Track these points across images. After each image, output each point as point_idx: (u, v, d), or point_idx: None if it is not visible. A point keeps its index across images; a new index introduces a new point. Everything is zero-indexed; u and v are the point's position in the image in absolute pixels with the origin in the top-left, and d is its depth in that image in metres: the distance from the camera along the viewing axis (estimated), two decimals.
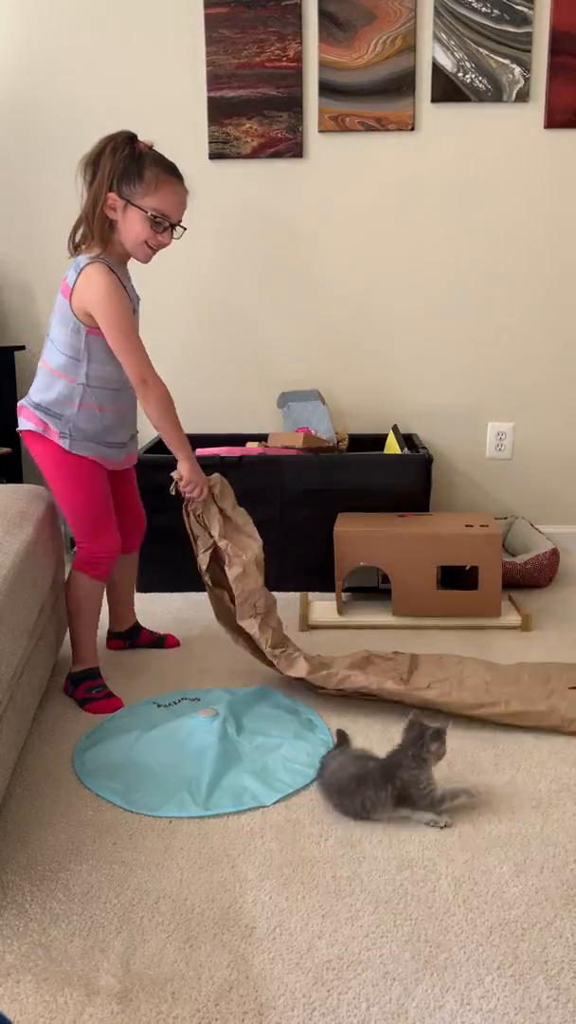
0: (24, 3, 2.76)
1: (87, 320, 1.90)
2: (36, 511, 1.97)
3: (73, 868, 1.44)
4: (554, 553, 2.70)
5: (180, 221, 1.96)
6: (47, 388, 1.96)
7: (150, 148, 1.91)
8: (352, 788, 1.55)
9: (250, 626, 2.00)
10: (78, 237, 1.96)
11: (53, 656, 2.03)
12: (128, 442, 2.10)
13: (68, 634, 2.13)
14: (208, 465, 2.60)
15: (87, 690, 2.00)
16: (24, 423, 2.00)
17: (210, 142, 2.81)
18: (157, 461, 2.63)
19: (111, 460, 2.05)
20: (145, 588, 2.66)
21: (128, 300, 1.93)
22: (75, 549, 2.03)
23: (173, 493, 2.03)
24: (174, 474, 2.02)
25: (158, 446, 2.83)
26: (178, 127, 2.81)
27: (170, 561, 2.65)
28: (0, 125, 2.85)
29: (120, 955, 1.25)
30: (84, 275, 1.87)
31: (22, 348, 2.93)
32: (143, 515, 2.25)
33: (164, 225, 1.91)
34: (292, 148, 2.81)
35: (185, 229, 1.98)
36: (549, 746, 1.79)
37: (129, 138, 1.89)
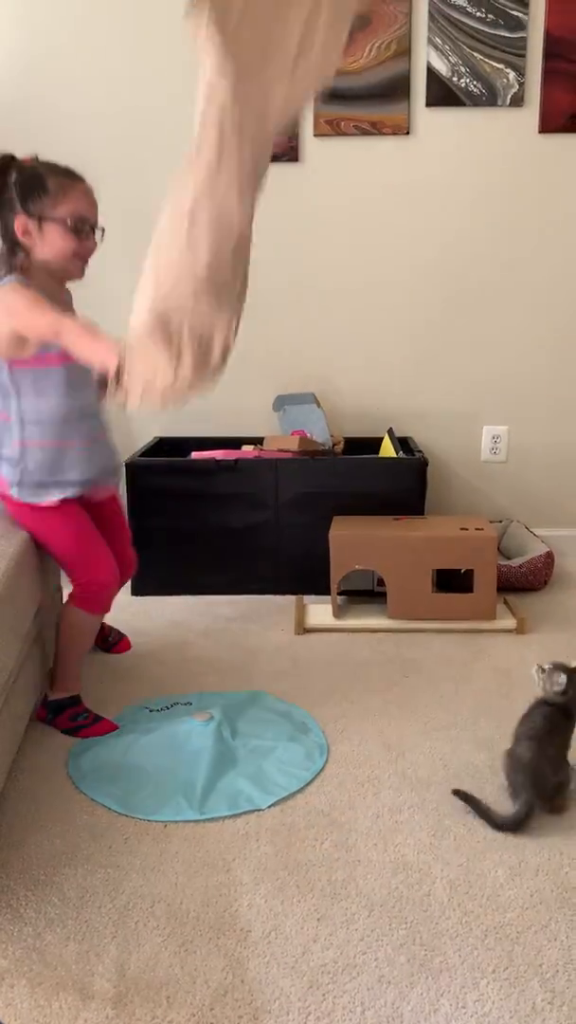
0: (24, 2, 2.76)
1: (7, 351, 1.70)
2: None
3: (68, 872, 1.43)
4: (549, 556, 2.71)
5: (97, 222, 1.80)
6: None
7: (36, 159, 1.75)
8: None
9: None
10: None
11: (47, 661, 2.03)
12: (99, 478, 1.93)
13: (52, 659, 1.99)
14: (204, 469, 2.61)
15: (72, 718, 1.90)
16: None
17: None
18: (151, 465, 2.64)
19: (85, 492, 1.91)
20: (140, 591, 2.66)
21: (52, 306, 1.67)
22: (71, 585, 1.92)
23: None
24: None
25: (152, 450, 2.83)
26: (176, 131, 2.81)
27: (165, 564, 2.65)
28: (1, 125, 2.86)
29: (115, 959, 1.25)
30: None
31: None
32: (132, 555, 2.11)
33: (85, 230, 1.76)
34: (288, 152, 2.81)
35: (104, 231, 1.81)
36: None
37: (9, 159, 1.73)
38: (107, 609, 1.96)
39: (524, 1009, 1.15)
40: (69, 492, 1.86)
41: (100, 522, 1.96)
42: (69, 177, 1.75)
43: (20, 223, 1.71)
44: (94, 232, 1.79)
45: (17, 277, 1.71)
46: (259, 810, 1.59)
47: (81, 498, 1.91)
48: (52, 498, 1.84)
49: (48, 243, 1.73)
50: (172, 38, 2.75)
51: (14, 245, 1.73)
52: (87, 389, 1.85)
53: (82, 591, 1.90)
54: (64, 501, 1.86)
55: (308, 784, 1.67)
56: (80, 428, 1.85)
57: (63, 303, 1.83)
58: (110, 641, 2.29)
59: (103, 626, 2.23)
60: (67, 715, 1.91)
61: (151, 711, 1.96)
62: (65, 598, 1.97)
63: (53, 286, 1.79)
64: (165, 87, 2.80)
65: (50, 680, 1.97)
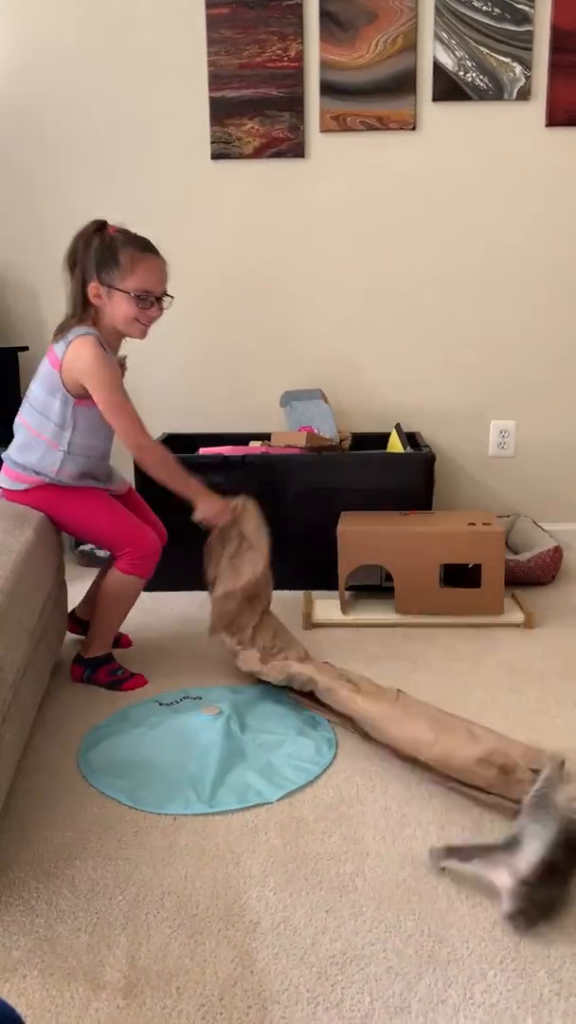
0: (24, 1, 2.77)
1: (76, 391, 1.97)
2: (36, 512, 1.98)
3: (79, 865, 1.45)
4: (557, 550, 2.71)
5: (164, 292, 2.02)
6: (28, 449, 2.03)
7: (120, 230, 1.98)
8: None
9: (222, 638, 2.12)
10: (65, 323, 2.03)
11: (54, 656, 2.04)
12: (112, 474, 2.19)
13: (92, 623, 2.14)
14: (211, 464, 2.62)
15: (111, 672, 2.08)
16: (7, 482, 2.06)
17: (212, 142, 2.82)
18: None
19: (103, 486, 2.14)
20: (149, 588, 2.66)
21: (118, 371, 2.02)
22: (114, 557, 2.08)
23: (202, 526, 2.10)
24: (195, 517, 2.08)
25: None
26: (180, 127, 2.82)
27: (174, 560, 2.66)
28: (2, 126, 2.87)
29: (125, 950, 1.26)
30: (74, 347, 1.94)
31: (25, 349, 2.94)
32: (162, 527, 2.28)
33: (149, 300, 1.99)
34: (294, 148, 2.81)
35: (172, 298, 2.04)
36: (551, 742, 1.79)
37: (98, 227, 1.97)
38: (151, 573, 2.11)
39: (531, 1000, 1.16)
40: (95, 483, 2.11)
41: (130, 508, 2.17)
42: (142, 251, 1.97)
43: (93, 288, 1.96)
44: (160, 301, 2.02)
45: (95, 332, 1.97)
46: (268, 803, 1.60)
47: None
48: (88, 483, 2.09)
49: (114, 309, 1.98)
50: (174, 38, 2.76)
51: (87, 304, 1.98)
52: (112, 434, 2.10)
53: (131, 557, 2.05)
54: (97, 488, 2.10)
55: (317, 778, 1.68)
56: (102, 466, 2.14)
57: (118, 358, 2.10)
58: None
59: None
60: (105, 671, 2.08)
61: (161, 705, 1.97)
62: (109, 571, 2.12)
63: (115, 343, 2.06)
64: (168, 87, 2.80)
65: (84, 644, 2.14)
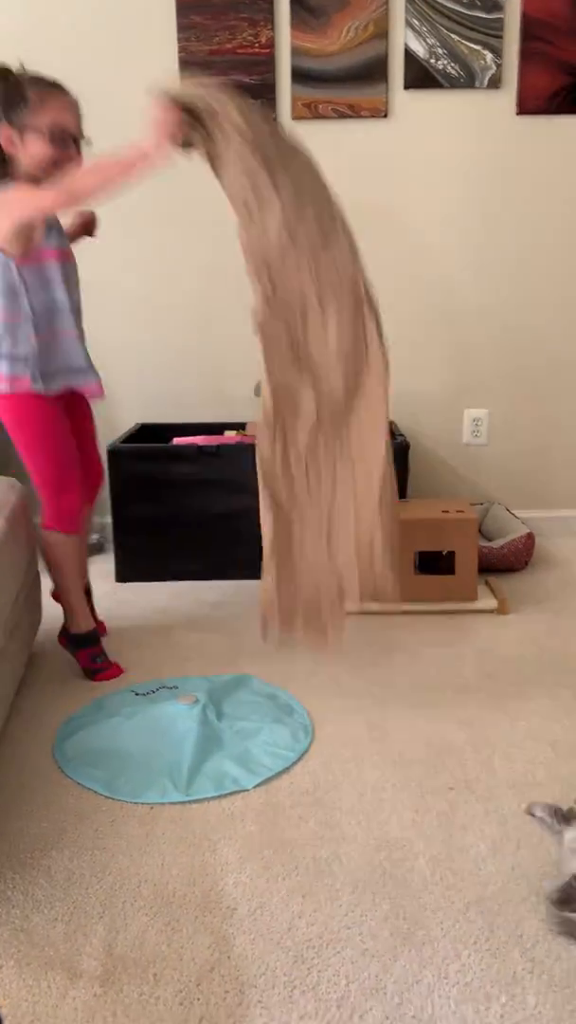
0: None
1: (15, 248, 1.83)
2: (8, 502, 1.97)
3: (55, 855, 1.44)
4: (530, 537, 2.73)
5: (80, 132, 1.87)
6: None
7: (23, 70, 1.84)
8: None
9: None
10: None
11: (28, 647, 2.03)
12: (84, 367, 2.00)
13: (60, 599, 2.12)
14: (186, 454, 2.62)
15: (91, 658, 2.08)
16: None
17: None
18: (133, 451, 2.64)
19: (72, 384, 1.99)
20: (125, 578, 2.66)
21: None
22: (41, 508, 2.02)
23: None
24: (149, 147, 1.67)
25: (134, 436, 2.83)
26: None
27: (148, 551, 2.66)
28: None
29: (102, 939, 1.26)
30: None
31: None
32: (100, 466, 2.22)
33: (66, 140, 1.84)
34: None
35: (89, 141, 1.88)
36: (525, 726, 1.82)
37: (3, 73, 1.82)
38: (79, 529, 2.05)
39: (505, 978, 1.18)
40: (70, 380, 1.97)
41: (74, 426, 2.05)
42: (50, 87, 1.83)
43: (4, 134, 1.81)
44: (76, 143, 1.86)
45: (11, 184, 1.81)
46: (245, 791, 1.61)
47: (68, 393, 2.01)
48: (57, 387, 1.95)
49: (30, 154, 1.82)
50: (143, 24, 2.73)
51: (3, 159, 1.83)
52: (77, 287, 1.99)
53: (53, 511, 2.00)
54: (61, 397, 1.97)
55: (293, 764, 1.69)
56: (71, 320, 1.96)
57: (85, 213, 1.99)
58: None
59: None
60: (87, 655, 2.08)
61: (137, 695, 1.97)
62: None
63: None
64: (137, 73, 2.78)
65: (67, 618, 2.12)
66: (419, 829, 1.49)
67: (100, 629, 2.28)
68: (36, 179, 1.83)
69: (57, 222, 1.97)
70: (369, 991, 1.16)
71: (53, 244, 1.92)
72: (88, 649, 2.09)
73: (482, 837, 1.47)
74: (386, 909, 1.31)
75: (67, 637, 2.12)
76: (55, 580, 2.09)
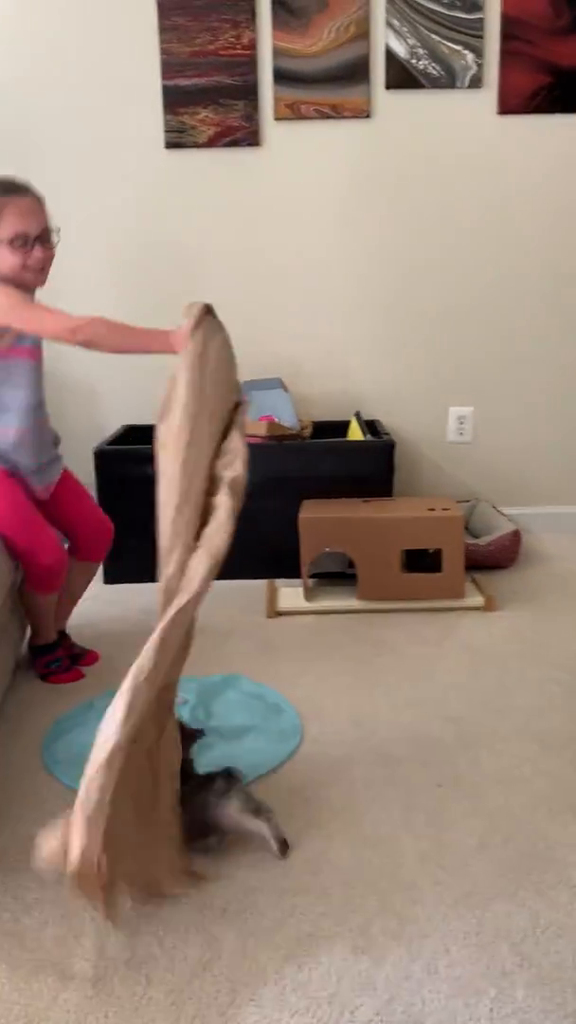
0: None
1: None
2: None
3: None
4: (516, 534, 2.75)
5: (46, 230, 1.86)
6: None
7: None
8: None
9: None
10: None
11: (15, 653, 2.04)
12: (47, 464, 2.06)
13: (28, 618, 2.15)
14: None
15: (46, 665, 2.10)
16: None
17: (166, 131, 2.80)
18: (119, 453, 2.64)
19: (31, 483, 2.01)
20: (113, 579, 2.66)
21: (17, 291, 1.82)
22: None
23: None
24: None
25: (120, 438, 2.83)
26: (133, 116, 2.80)
27: (136, 552, 2.64)
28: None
29: (94, 941, 1.27)
30: None
31: None
32: (104, 521, 2.19)
33: (29, 244, 1.82)
34: (248, 136, 2.80)
35: (59, 232, 1.88)
36: (512, 723, 1.83)
37: None
38: (57, 588, 2.05)
39: (494, 972, 1.19)
40: (24, 468, 1.99)
41: (63, 499, 2.10)
42: (5, 194, 1.81)
43: None
44: (41, 242, 1.84)
45: None
46: None
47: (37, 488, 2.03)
48: (8, 467, 1.97)
49: (1, 261, 1.82)
50: (126, 25, 2.73)
51: None
52: (42, 384, 2.02)
53: (32, 575, 1.99)
54: (13, 474, 1.97)
55: (282, 764, 1.69)
56: (36, 417, 2.01)
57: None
58: (77, 655, 2.21)
59: (69, 644, 2.21)
60: (42, 661, 2.11)
61: None
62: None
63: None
64: (120, 75, 2.77)
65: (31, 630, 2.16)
66: (407, 826, 1.50)
67: (91, 657, 2.22)
68: (12, 283, 1.82)
69: None
70: (359, 987, 1.17)
71: (27, 343, 1.93)
72: (43, 657, 2.11)
73: (470, 833, 1.48)
74: (375, 906, 1.32)
75: (29, 648, 2.15)
76: (29, 618, 2.13)
